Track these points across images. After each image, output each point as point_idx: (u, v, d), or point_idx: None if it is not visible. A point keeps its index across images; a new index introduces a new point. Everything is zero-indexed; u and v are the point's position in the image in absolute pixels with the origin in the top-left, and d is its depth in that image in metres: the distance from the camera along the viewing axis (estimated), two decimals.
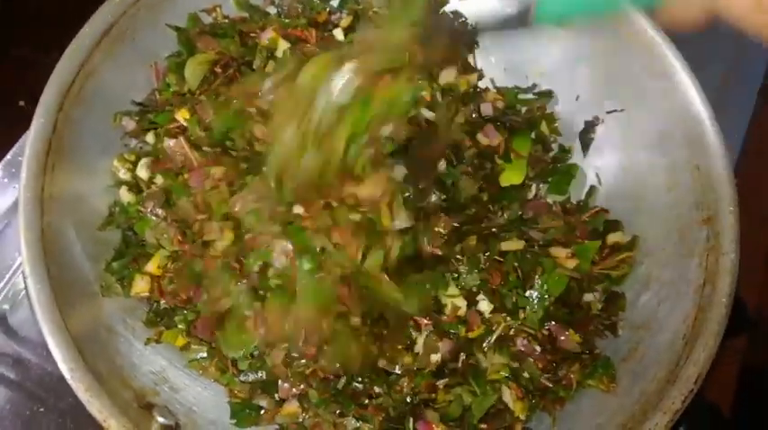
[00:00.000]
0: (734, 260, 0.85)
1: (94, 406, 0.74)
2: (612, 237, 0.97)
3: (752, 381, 1.34)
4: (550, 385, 0.89)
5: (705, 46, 1.22)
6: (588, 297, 0.94)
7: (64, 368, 0.76)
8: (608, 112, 1.02)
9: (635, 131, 1.00)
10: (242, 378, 0.89)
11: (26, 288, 0.79)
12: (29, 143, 0.83)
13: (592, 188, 1.04)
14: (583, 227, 0.98)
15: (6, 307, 1.06)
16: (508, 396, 0.87)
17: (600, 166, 1.04)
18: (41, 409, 1.01)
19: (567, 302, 0.91)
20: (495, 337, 0.89)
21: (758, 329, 1.36)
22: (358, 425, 0.86)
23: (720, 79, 1.34)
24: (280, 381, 0.87)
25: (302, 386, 0.87)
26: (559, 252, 0.93)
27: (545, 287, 0.89)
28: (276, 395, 0.87)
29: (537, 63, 1.08)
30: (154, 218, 0.91)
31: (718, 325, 0.83)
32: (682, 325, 0.86)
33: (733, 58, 1.36)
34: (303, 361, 0.85)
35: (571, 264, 0.92)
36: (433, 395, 0.89)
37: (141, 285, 0.90)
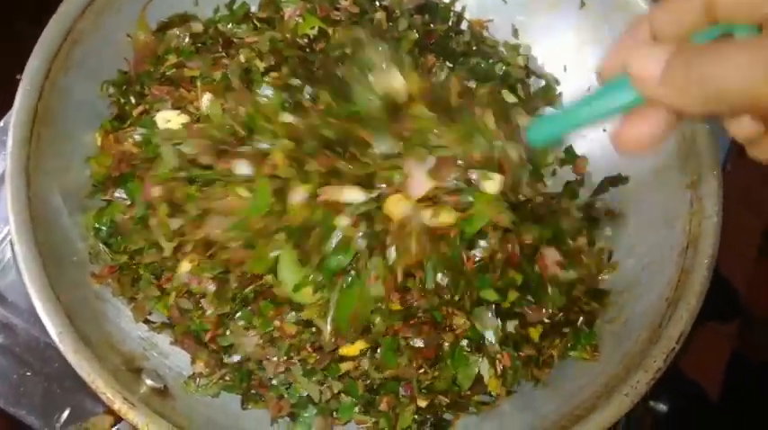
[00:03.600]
0: (716, 223, 0.86)
1: (83, 368, 0.75)
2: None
3: (740, 367, 1.36)
4: (533, 353, 0.90)
5: None
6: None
7: (53, 332, 0.76)
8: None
9: None
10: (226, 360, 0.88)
11: (14, 255, 0.80)
12: (15, 111, 0.83)
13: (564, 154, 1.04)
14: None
15: None
16: (486, 371, 0.87)
17: (585, 134, 1.04)
18: (28, 373, 1.02)
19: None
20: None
21: (748, 317, 1.38)
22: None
23: None
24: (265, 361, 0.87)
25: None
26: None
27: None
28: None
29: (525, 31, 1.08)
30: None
31: (701, 286, 0.84)
32: (665, 287, 0.87)
33: None
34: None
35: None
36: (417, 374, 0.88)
37: None
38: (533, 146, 0.67)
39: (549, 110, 1.06)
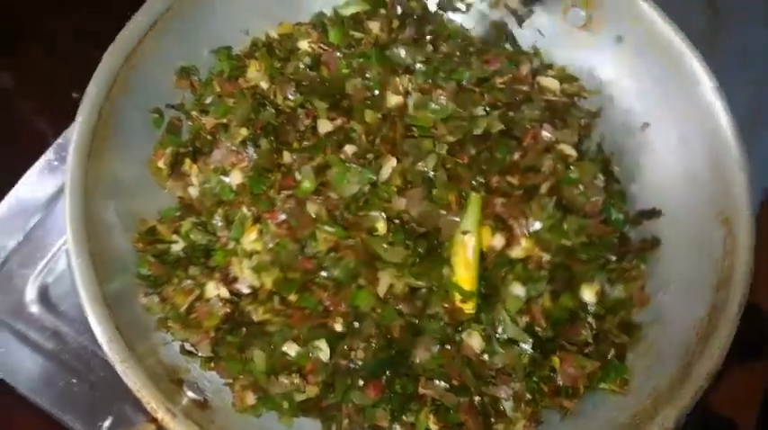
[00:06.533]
0: (749, 261, 0.87)
1: (129, 377, 0.79)
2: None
3: None
4: (560, 384, 0.90)
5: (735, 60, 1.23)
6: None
7: (103, 341, 0.80)
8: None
9: (655, 134, 1.02)
10: None
11: (69, 265, 0.84)
12: (76, 129, 0.88)
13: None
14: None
15: (50, 280, 1.12)
16: (509, 408, 0.89)
17: (620, 169, 1.05)
18: (74, 380, 1.07)
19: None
20: None
21: None
22: None
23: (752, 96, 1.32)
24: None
25: None
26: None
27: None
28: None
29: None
30: None
31: (732, 323, 0.85)
32: (697, 323, 0.87)
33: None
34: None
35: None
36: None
37: None
38: None
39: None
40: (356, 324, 0.88)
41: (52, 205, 1.16)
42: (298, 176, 0.91)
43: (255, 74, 1.01)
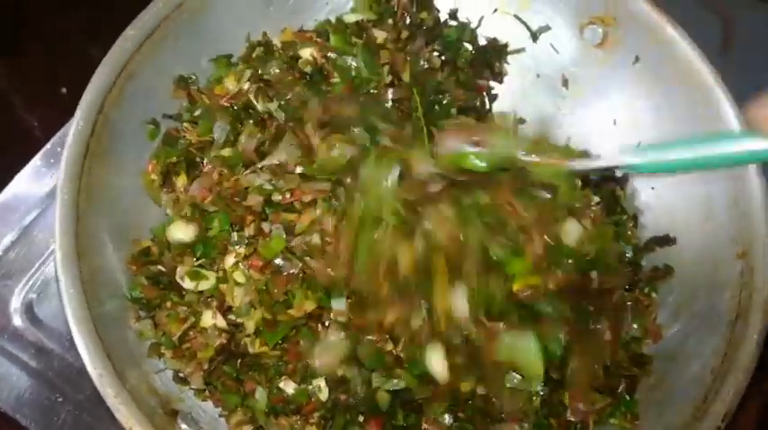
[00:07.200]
0: (767, 296, 0.84)
1: (121, 412, 0.75)
2: None
3: None
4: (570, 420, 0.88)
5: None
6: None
7: (93, 373, 0.76)
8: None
9: None
10: None
11: (59, 290, 0.79)
12: (67, 145, 0.83)
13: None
14: None
15: (34, 296, 1.08)
16: None
17: (633, 194, 1.02)
18: (60, 399, 1.03)
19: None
20: None
21: None
22: None
23: None
24: None
25: None
26: None
27: None
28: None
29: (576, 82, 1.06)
30: None
31: (749, 361, 0.82)
32: (711, 359, 0.84)
33: None
34: None
35: None
36: None
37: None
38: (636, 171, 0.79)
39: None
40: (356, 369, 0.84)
41: (37, 215, 1.11)
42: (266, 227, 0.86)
43: (234, 84, 0.96)
